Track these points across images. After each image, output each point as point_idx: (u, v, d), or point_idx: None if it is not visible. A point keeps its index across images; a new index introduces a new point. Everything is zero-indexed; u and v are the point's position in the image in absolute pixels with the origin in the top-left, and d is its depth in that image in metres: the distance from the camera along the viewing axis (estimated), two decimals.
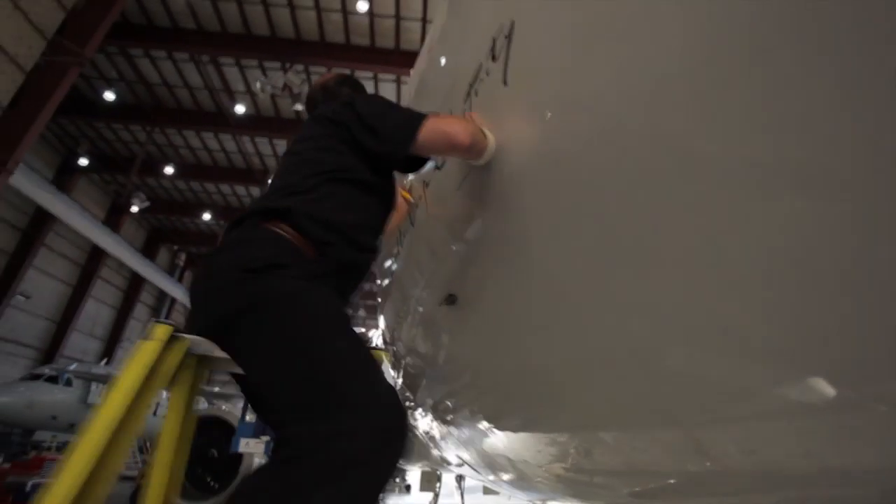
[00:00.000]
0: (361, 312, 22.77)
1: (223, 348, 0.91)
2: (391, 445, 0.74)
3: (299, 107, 11.36)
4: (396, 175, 1.33)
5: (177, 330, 0.97)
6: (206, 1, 10.33)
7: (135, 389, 0.85)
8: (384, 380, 0.81)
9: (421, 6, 10.00)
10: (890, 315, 0.43)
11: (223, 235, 1.05)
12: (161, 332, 0.91)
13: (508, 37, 0.90)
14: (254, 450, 4.30)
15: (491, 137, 1.00)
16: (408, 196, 1.68)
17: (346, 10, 10.30)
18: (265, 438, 4.26)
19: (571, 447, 1.08)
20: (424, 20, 10.15)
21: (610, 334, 0.84)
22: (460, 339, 1.50)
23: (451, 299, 1.36)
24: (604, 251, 0.79)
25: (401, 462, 0.77)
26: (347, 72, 11.37)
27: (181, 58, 11.74)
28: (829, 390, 0.50)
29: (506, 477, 1.80)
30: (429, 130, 1.03)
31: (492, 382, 1.41)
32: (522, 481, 1.66)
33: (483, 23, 1.03)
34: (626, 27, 0.66)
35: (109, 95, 12.48)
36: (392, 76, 11.44)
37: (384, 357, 1.30)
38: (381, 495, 0.74)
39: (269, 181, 1.30)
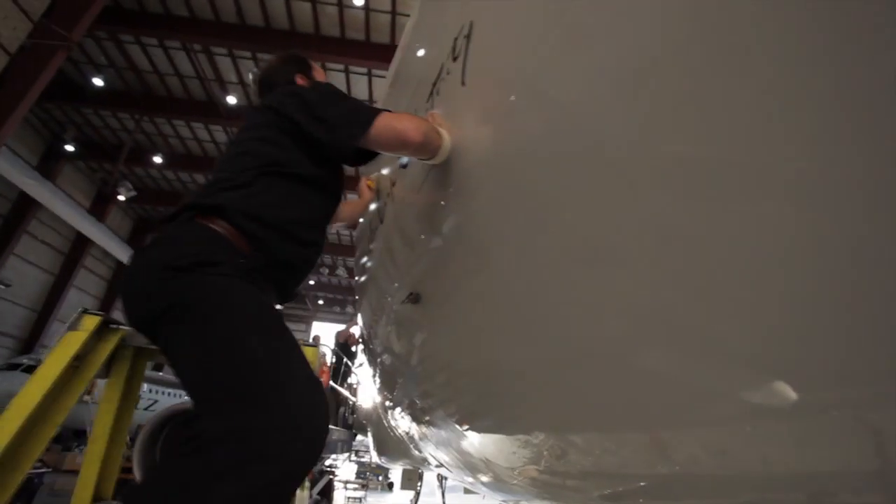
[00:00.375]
0: (350, 309, 22.71)
1: (154, 343, 0.90)
2: (301, 443, 0.73)
3: None
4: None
5: (111, 321, 0.95)
6: None
7: (55, 380, 0.84)
8: (305, 378, 0.80)
9: (417, 2, 9.97)
10: (863, 318, 0.43)
11: (157, 229, 1.03)
12: (89, 322, 0.89)
13: (468, 37, 0.89)
14: None
15: (446, 137, 1.00)
16: (371, 184, 1.63)
17: (342, 3, 10.23)
18: None
19: (544, 449, 1.08)
20: None
21: (576, 334, 0.84)
22: (430, 339, 1.49)
23: (414, 297, 1.35)
24: (563, 249, 0.79)
25: (315, 461, 0.77)
26: (341, 67, 11.35)
27: (173, 46, 11.58)
28: (801, 394, 0.51)
29: (481, 478, 1.80)
30: (381, 126, 1.01)
31: (462, 383, 1.41)
32: (497, 483, 1.66)
33: (446, 23, 1.03)
34: (579, 29, 0.66)
35: (98, 81, 12.27)
36: (386, 72, 11.40)
37: (313, 353, 1.29)
38: (290, 493, 0.73)
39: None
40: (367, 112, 1.04)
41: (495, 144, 0.86)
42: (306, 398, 0.76)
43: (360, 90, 12.33)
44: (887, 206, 0.39)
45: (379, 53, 10.80)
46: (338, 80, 12.08)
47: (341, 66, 11.65)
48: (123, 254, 15.41)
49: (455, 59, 0.95)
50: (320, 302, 24.86)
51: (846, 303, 0.44)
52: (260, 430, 0.71)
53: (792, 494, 0.68)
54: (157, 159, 14.54)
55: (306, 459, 0.74)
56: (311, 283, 22.76)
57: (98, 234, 14.14)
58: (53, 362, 0.86)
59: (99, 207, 15.95)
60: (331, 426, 5.83)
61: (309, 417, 0.75)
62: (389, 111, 1.06)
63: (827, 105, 0.41)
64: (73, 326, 0.89)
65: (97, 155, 14.93)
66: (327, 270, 20.33)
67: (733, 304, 0.55)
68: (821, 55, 0.41)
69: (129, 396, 1.04)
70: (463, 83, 0.91)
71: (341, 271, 19.57)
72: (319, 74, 1.49)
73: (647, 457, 0.83)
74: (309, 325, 24.90)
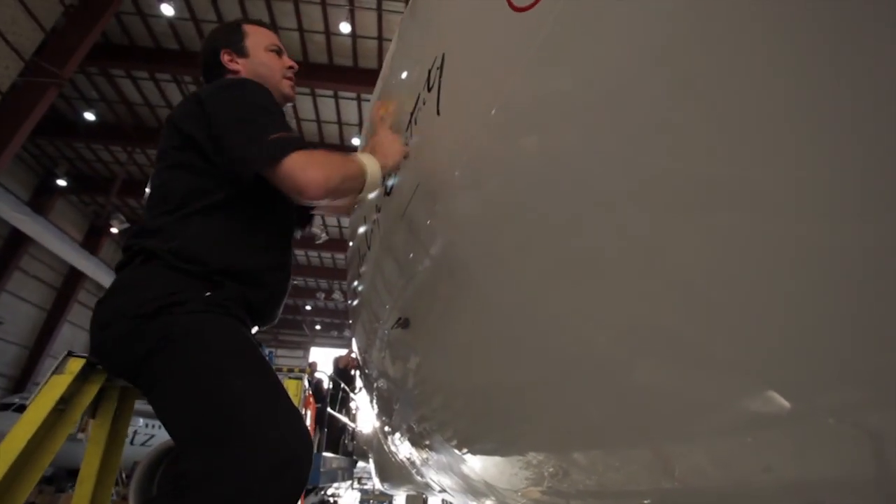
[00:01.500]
0: (348, 333, 22.56)
1: (137, 387, 0.89)
2: (285, 478, 0.72)
3: None
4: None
5: (97, 361, 0.95)
6: (189, 22, 10.40)
7: (40, 425, 0.83)
8: (284, 411, 0.79)
9: (396, 32, 10.21)
10: (861, 327, 0.44)
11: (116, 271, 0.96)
12: (74, 365, 0.89)
13: (440, 69, 0.92)
14: None
15: (373, 172, 0.96)
16: (385, 110, 1.31)
17: (329, 31, 10.45)
18: None
19: (545, 470, 1.07)
20: None
21: (569, 352, 0.84)
22: (422, 363, 1.49)
23: (403, 322, 1.35)
24: (548, 269, 0.80)
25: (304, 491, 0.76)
26: (330, 92, 11.53)
27: (163, 78, 11.74)
28: (805, 404, 0.51)
29: (485, 503, 1.77)
30: (283, 172, 0.87)
31: (457, 406, 1.40)
32: None
33: (421, 55, 1.06)
34: (546, 59, 0.68)
35: (89, 115, 12.38)
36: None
37: (296, 385, 1.27)
38: None
39: None
40: (276, 148, 0.87)
41: (472, 171, 0.88)
42: (286, 432, 0.75)
43: (349, 114, 12.50)
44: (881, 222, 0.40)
45: (367, 78, 10.97)
46: (327, 105, 12.26)
47: (330, 92, 11.83)
48: None
49: (430, 89, 0.97)
50: (317, 327, 24.65)
51: (841, 312, 0.45)
52: (241, 468, 0.70)
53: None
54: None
55: (290, 493, 0.73)
56: (308, 308, 22.62)
57: (91, 267, 14.06)
58: (38, 407, 0.85)
59: (92, 241, 15.90)
60: (331, 454, 5.74)
61: (291, 451, 0.74)
62: (306, 150, 0.90)
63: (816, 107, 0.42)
64: (58, 370, 0.89)
65: (89, 188, 14.95)
66: (323, 295, 20.23)
67: (727, 319, 0.55)
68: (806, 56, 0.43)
69: (116, 437, 1.03)
70: (438, 113, 0.94)
71: (338, 295, 19.47)
72: (259, 37, 1.18)
73: (650, 473, 0.83)
74: (306, 350, 24.65)
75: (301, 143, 0.91)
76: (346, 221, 14.64)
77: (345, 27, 10.16)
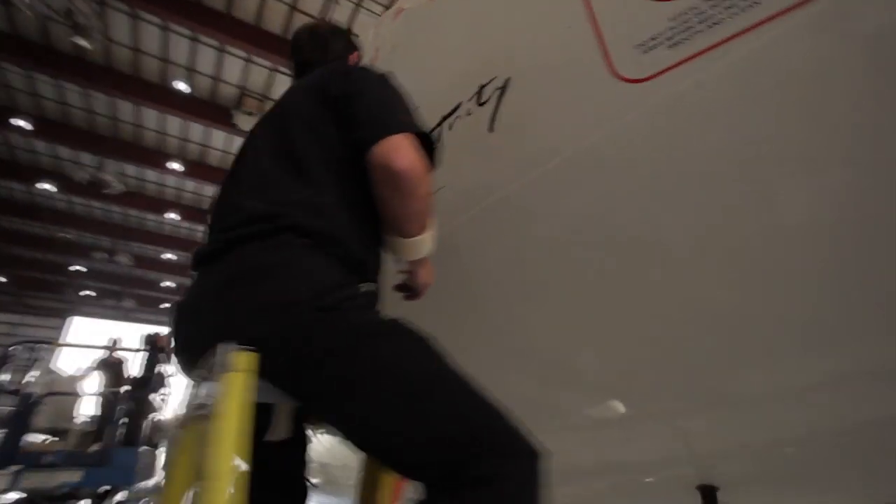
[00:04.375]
0: (128, 303, 18.76)
1: (286, 389, 0.70)
2: (541, 482, 0.65)
3: (81, 41, 8.45)
4: None
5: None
6: None
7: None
8: (501, 408, 0.71)
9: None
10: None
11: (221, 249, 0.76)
12: (244, 360, 0.63)
13: (502, 90, 0.97)
14: None
15: (427, 241, 0.89)
16: None
17: None
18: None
19: None
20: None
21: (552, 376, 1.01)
22: None
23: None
24: (555, 297, 0.97)
25: None
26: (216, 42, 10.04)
27: None
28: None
29: None
30: (399, 139, 0.81)
31: None
32: None
33: (469, 66, 1.08)
34: (607, 95, 0.81)
35: None
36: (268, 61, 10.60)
37: None
38: None
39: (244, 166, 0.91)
40: (405, 124, 0.84)
41: (519, 193, 0.95)
42: (522, 430, 0.68)
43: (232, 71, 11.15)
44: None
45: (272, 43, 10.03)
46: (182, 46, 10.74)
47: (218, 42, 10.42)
48: None
49: (481, 104, 1.01)
50: (88, 292, 19.78)
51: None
52: (532, 473, 0.65)
53: None
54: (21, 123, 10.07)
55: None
56: (84, 269, 18.04)
57: None
58: (230, 413, 0.61)
59: None
60: (147, 447, 4.84)
61: (539, 453, 0.67)
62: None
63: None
64: (228, 367, 0.61)
65: None
66: (107, 256, 16.46)
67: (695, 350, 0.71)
68: None
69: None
70: (491, 129, 0.98)
71: (126, 259, 16.11)
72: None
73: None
74: (65, 320, 19.48)
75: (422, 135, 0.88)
76: (147, 174, 12.14)
77: None
